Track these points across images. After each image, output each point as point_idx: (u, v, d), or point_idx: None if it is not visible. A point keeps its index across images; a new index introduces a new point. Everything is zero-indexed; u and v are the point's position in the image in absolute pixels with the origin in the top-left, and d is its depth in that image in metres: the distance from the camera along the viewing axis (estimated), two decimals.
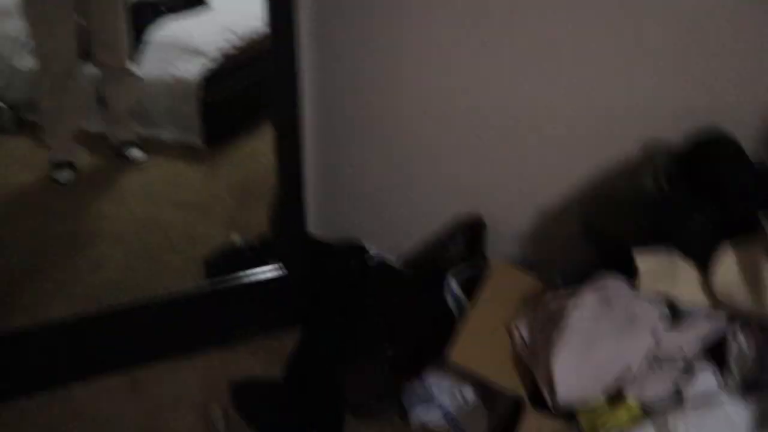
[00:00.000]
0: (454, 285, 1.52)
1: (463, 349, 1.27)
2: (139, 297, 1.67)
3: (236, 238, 2.08)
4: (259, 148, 2.93)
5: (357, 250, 1.89)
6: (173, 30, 2.85)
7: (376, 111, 1.67)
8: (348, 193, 1.86)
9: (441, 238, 1.72)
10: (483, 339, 1.30)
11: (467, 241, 1.67)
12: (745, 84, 1.31)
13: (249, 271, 1.74)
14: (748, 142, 1.29)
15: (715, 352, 1.15)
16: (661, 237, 1.23)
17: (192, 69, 2.71)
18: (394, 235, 1.86)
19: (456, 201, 1.72)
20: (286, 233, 1.79)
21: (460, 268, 1.57)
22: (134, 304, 1.65)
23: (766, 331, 1.06)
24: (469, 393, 1.42)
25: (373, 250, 1.90)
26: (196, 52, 2.74)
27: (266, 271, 1.73)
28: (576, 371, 1.12)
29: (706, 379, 1.12)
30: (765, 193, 1.21)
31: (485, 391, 1.45)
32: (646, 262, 1.17)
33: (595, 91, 1.43)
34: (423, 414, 1.51)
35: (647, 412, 1.13)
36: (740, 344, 1.08)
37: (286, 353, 1.72)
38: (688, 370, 1.15)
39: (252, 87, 3.01)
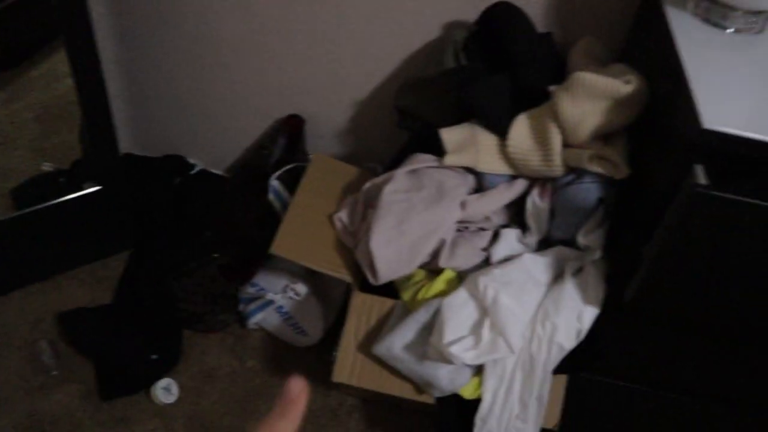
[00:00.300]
0: (275, 184, 1.50)
1: (285, 241, 1.27)
2: None
3: (47, 167, 1.90)
4: (60, 68, 2.66)
5: (178, 164, 1.81)
6: None
7: (182, 12, 1.55)
8: (163, 108, 1.74)
9: (262, 142, 1.68)
10: (305, 230, 1.30)
11: (288, 140, 1.64)
12: None
13: (63, 198, 1.61)
14: (534, 12, 1.35)
15: (519, 213, 1.24)
16: (464, 112, 1.28)
17: None
18: (216, 147, 1.80)
19: (274, 104, 1.67)
20: (98, 152, 1.65)
21: (283, 168, 1.55)
22: None
23: (556, 188, 1.15)
24: (301, 288, 1.44)
25: (196, 162, 1.83)
26: None
27: (81, 194, 1.60)
28: (392, 246, 1.16)
29: (510, 240, 1.21)
30: (551, 61, 1.28)
31: (317, 285, 1.48)
32: (451, 138, 1.22)
33: None
34: (260, 317, 1.51)
35: (461, 278, 1.20)
36: (535, 202, 1.17)
37: (114, 280, 1.64)
38: (495, 235, 1.23)
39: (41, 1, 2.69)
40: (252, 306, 1.50)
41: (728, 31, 1.07)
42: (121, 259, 1.67)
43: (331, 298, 1.50)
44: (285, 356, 1.52)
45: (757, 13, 1.06)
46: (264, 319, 1.51)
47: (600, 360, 1.17)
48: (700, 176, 0.87)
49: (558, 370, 1.14)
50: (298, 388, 0.35)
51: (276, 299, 1.46)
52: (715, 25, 1.07)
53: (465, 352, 1.05)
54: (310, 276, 1.47)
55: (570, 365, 1.14)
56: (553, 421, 1.17)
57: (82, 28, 1.41)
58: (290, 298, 1.45)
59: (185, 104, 1.72)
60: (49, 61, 2.56)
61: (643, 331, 1.13)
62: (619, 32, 1.37)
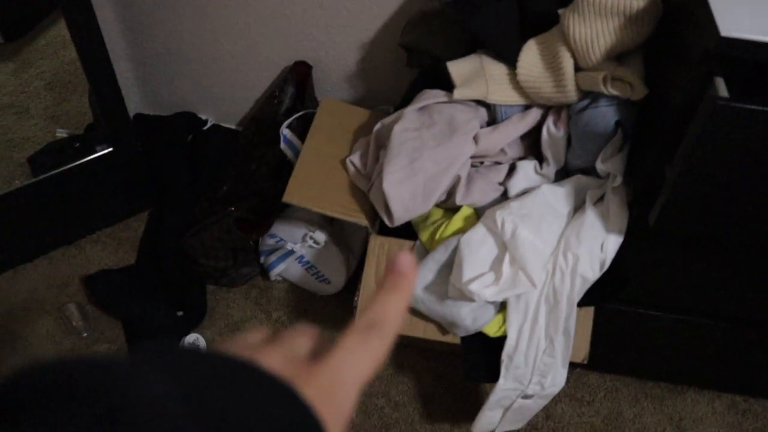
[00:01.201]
0: (286, 132, 1.47)
1: (298, 189, 1.26)
2: None
3: (61, 133, 1.90)
4: (66, 35, 2.64)
5: (190, 121, 1.80)
6: None
7: None
8: (170, 65, 1.72)
9: (271, 92, 1.65)
10: (318, 176, 1.29)
11: (296, 88, 1.61)
12: None
13: (78, 162, 1.61)
14: None
15: (535, 145, 1.21)
16: (471, 42, 1.24)
17: None
18: (226, 100, 1.78)
19: (280, 52, 1.63)
20: (107, 115, 1.64)
21: (292, 117, 1.52)
22: None
23: (571, 115, 1.11)
24: (320, 236, 1.43)
25: (208, 118, 1.81)
26: None
27: (94, 156, 1.60)
28: (406, 186, 1.13)
29: (527, 173, 1.17)
30: None
31: (336, 232, 1.47)
32: (459, 70, 1.17)
33: None
34: (282, 268, 1.51)
35: (479, 214, 1.18)
36: (551, 130, 1.13)
37: (136, 241, 1.65)
38: (512, 168, 1.20)
39: None
40: (273, 257, 1.50)
41: None
42: (141, 219, 1.68)
43: (351, 245, 1.49)
44: (310, 305, 1.53)
45: None
46: (286, 269, 1.51)
47: (626, 289, 1.15)
48: (722, 88, 0.83)
49: (583, 302, 1.12)
50: (407, 262, 0.32)
51: (296, 249, 1.45)
52: None
53: (485, 289, 1.03)
54: (328, 224, 1.46)
55: (596, 297, 1.12)
56: (582, 356, 1.16)
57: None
58: (310, 246, 1.45)
59: (192, 59, 1.69)
60: (55, 29, 2.54)
61: (668, 255, 1.10)
62: None
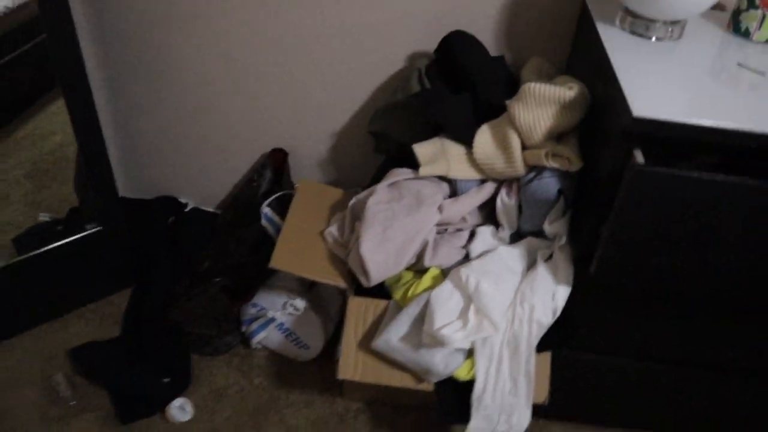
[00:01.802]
0: (267, 210, 1.64)
1: (283, 256, 1.41)
2: None
3: (44, 216, 2.02)
4: (47, 127, 2.80)
5: (173, 205, 1.95)
6: None
7: (166, 61, 1.71)
8: (153, 152, 1.89)
9: (250, 176, 1.83)
10: (300, 246, 1.45)
11: (274, 173, 1.79)
12: None
13: (66, 239, 1.72)
14: (487, 39, 1.54)
15: (491, 213, 1.40)
16: (432, 129, 1.45)
17: None
18: (205, 185, 1.94)
19: (257, 140, 1.83)
20: (98, 194, 1.77)
21: (272, 197, 1.70)
22: None
23: (520, 186, 1.32)
24: (299, 303, 1.57)
25: (188, 201, 1.97)
26: None
27: (83, 235, 1.72)
28: (381, 250, 1.30)
29: (485, 237, 1.36)
30: (505, 79, 1.46)
31: (314, 299, 1.61)
32: (423, 151, 1.38)
33: (359, 19, 1.59)
34: (263, 336, 1.64)
35: (445, 274, 1.35)
36: (504, 200, 1.34)
37: (119, 315, 1.75)
38: (472, 233, 1.39)
39: (23, 65, 2.84)
40: (254, 325, 1.62)
41: (651, 39, 1.26)
42: (123, 295, 1.79)
43: (328, 311, 1.63)
44: (289, 371, 1.64)
45: (674, 22, 1.26)
46: (266, 337, 1.63)
47: (577, 336, 1.32)
48: (639, 157, 1.04)
49: (541, 347, 1.28)
50: None
51: (277, 316, 1.58)
52: (640, 35, 1.27)
53: (455, 334, 1.19)
54: (307, 291, 1.60)
55: (551, 342, 1.29)
56: (542, 397, 1.31)
57: (79, 81, 1.55)
58: (290, 314, 1.58)
59: (174, 147, 1.87)
60: (33, 122, 2.70)
61: (614, 305, 1.28)
62: (562, 50, 1.56)
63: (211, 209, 1.96)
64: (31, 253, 1.70)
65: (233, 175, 1.90)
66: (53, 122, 2.71)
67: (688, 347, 1.37)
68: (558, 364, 1.35)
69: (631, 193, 1.06)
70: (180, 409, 1.51)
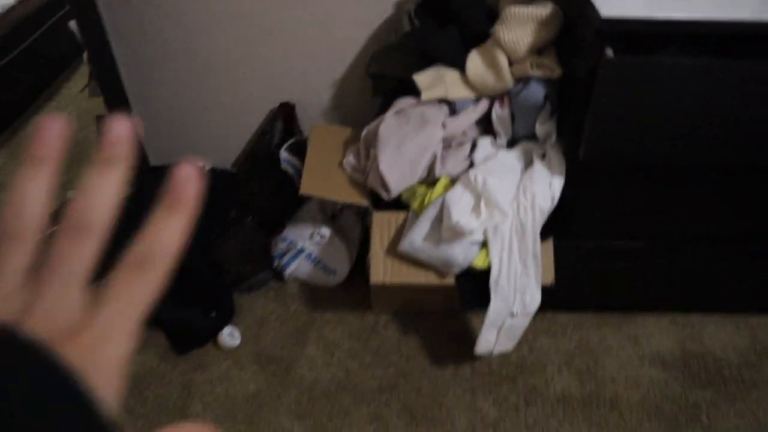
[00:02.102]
0: (285, 154, 1.83)
1: (310, 184, 1.60)
2: None
3: (71, 194, 2.18)
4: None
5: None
6: None
7: (176, 31, 1.88)
8: (171, 120, 2.06)
9: (262, 130, 2.01)
10: (322, 176, 1.64)
11: (284, 124, 1.98)
12: None
13: None
14: None
15: (488, 125, 1.61)
16: (427, 61, 1.65)
17: None
18: (220, 145, 2.12)
19: (266, 96, 2.00)
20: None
21: (287, 142, 1.89)
22: None
23: (511, 97, 1.52)
24: (325, 230, 1.77)
25: (205, 164, 2.14)
26: None
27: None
28: (397, 166, 1.50)
29: (486, 146, 1.57)
30: (486, 10, 1.66)
31: (337, 227, 1.81)
32: (423, 79, 1.58)
33: None
34: (293, 267, 1.83)
35: (454, 181, 1.56)
36: (498, 112, 1.54)
37: None
38: (474, 144, 1.59)
39: (23, 62, 2.99)
40: (286, 258, 1.81)
41: None
42: None
43: (351, 237, 1.83)
44: (321, 296, 1.84)
45: None
46: (297, 268, 1.83)
47: (574, 222, 1.54)
48: (609, 52, 1.25)
49: (544, 235, 1.49)
50: (186, 172, 0.29)
51: (305, 246, 1.78)
52: None
53: (471, 223, 1.40)
54: (330, 221, 1.80)
55: (552, 229, 1.50)
56: (549, 278, 1.52)
57: (107, 58, 1.72)
58: (317, 243, 1.78)
59: (187, 113, 2.04)
60: (36, 119, 2.84)
61: (601, 188, 1.50)
62: None
63: (227, 167, 2.14)
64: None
65: (245, 131, 2.08)
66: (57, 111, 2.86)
67: (676, 222, 1.58)
68: (560, 254, 1.56)
69: (605, 83, 1.27)
70: (230, 336, 1.71)
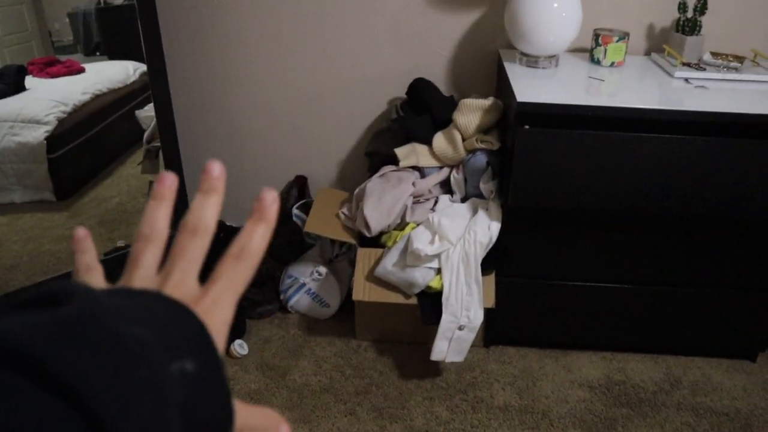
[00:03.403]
0: (296, 211, 2.40)
1: (313, 225, 2.15)
2: None
3: (121, 243, 2.76)
4: (106, 193, 3.61)
5: (221, 225, 2.70)
6: (9, 108, 3.47)
7: (220, 114, 2.53)
8: None
9: (281, 195, 2.60)
10: (323, 221, 2.19)
11: (298, 192, 2.56)
12: (432, 53, 2.39)
13: None
14: (440, 84, 2.37)
15: (449, 186, 2.17)
16: (406, 139, 2.24)
17: (35, 134, 3.35)
18: (245, 210, 2.70)
19: (285, 171, 2.61)
20: (178, 211, 2.52)
21: (298, 203, 2.46)
22: None
23: (464, 165, 2.09)
24: (322, 269, 2.29)
25: (232, 224, 2.72)
26: (35, 121, 3.38)
27: None
28: (377, 211, 2.05)
29: (445, 200, 2.12)
30: (450, 109, 2.27)
31: (332, 268, 2.34)
32: (401, 152, 2.16)
33: (357, 74, 2.43)
34: (295, 300, 2.34)
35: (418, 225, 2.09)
36: (455, 176, 2.10)
37: None
38: (436, 200, 2.14)
39: (91, 142, 3.70)
40: (290, 291, 2.33)
41: (539, 69, 2.09)
42: None
43: (343, 279, 2.34)
44: (316, 325, 2.33)
45: (551, 57, 2.09)
46: (298, 301, 2.33)
47: (510, 259, 2.04)
48: (526, 126, 1.82)
49: (485, 269, 2.00)
50: (271, 197, 0.40)
51: (306, 282, 2.30)
52: (532, 66, 2.09)
53: (426, 247, 1.92)
54: (327, 262, 2.33)
55: (492, 263, 2.01)
56: (491, 303, 2.01)
57: (171, 134, 2.35)
58: (314, 279, 2.30)
59: (227, 184, 2.64)
60: (97, 189, 3.50)
61: (530, 232, 2.01)
62: (489, 86, 2.39)
63: None
64: (125, 251, 2.43)
65: None
66: (111, 190, 3.54)
67: (597, 266, 2.07)
68: (504, 290, 2.06)
69: (522, 147, 1.83)
70: (240, 347, 2.19)
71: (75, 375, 0.25)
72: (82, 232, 0.43)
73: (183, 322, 0.33)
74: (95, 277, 0.42)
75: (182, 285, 0.38)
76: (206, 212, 0.40)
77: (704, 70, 2.01)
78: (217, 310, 0.37)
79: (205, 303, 0.37)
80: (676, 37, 2.11)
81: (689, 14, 2.08)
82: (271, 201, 0.41)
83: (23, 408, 0.23)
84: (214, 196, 0.41)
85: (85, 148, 3.61)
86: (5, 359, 0.25)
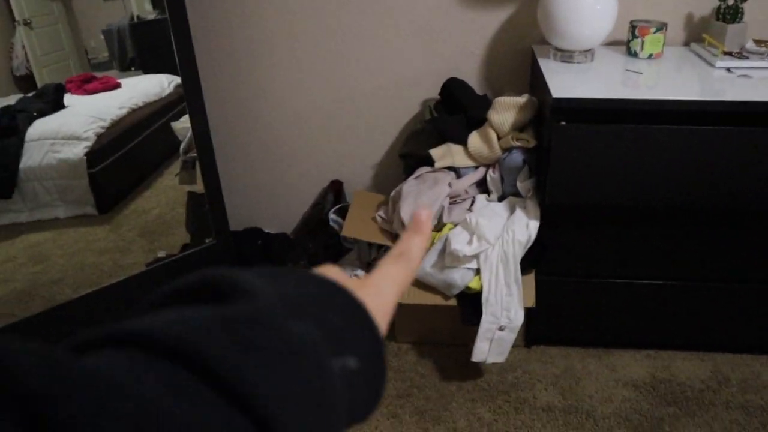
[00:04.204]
0: (333, 216, 2.42)
1: (350, 229, 2.16)
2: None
3: (161, 253, 2.81)
4: (146, 205, 3.69)
5: (259, 232, 2.74)
6: (49, 126, 3.57)
7: (254, 123, 2.57)
8: (250, 198, 2.71)
9: (316, 202, 2.62)
10: (360, 224, 2.20)
11: (334, 197, 2.58)
12: (464, 52, 2.39)
13: (191, 250, 2.50)
14: (473, 83, 2.37)
15: (485, 186, 2.16)
16: (441, 140, 2.24)
17: (75, 150, 3.43)
18: (282, 217, 2.73)
19: (321, 175, 2.64)
20: (215, 218, 2.56)
21: (334, 208, 2.48)
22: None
23: (500, 164, 2.08)
24: (360, 272, 2.30)
25: (269, 231, 2.75)
26: (75, 138, 3.47)
27: (203, 246, 2.50)
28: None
29: (482, 200, 2.11)
30: (484, 107, 2.27)
31: (370, 269, 2.35)
32: (436, 152, 2.17)
33: (389, 77, 2.44)
34: None
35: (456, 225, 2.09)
36: (491, 175, 2.10)
37: None
38: (473, 200, 2.14)
39: (130, 156, 3.78)
40: None
41: (573, 63, 2.07)
42: None
43: None
44: None
45: (586, 51, 2.07)
46: None
47: (553, 259, 2.02)
48: (562, 122, 1.81)
49: (525, 267, 1.98)
50: (425, 214, 0.46)
51: None
52: (567, 62, 2.08)
53: (465, 248, 1.91)
54: (365, 266, 2.34)
55: (532, 262, 2.00)
56: (531, 301, 2.00)
57: (206, 143, 2.39)
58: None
59: (257, 190, 2.68)
60: (136, 202, 3.57)
61: (571, 228, 1.99)
62: (523, 83, 2.38)
63: (289, 231, 2.74)
64: (162, 262, 2.48)
65: (303, 205, 2.70)
66: (150, 201, 3.61)
67: (640, 263, 2.04)
68: (545, 290, 2.05)
69: (560, 142, 1.81)
70: None
71: (247, 380, 0.25)
72: (426, 215, 0.47)
73: (347, 311, 0.34)
74: (399, 268, 0.44)
75: (378, 295, 0.40)
76: (412, 245, 0.45)
77: (747, 58, 1.96)
78: (380, 296, 0.39)
79: (367, 288, 0.39)
80: (717, 25, 2.07)
81: (730, 1, 2.04)
82: (425, 217, 0.46)
83: (198, 409, 0.24)
84: (420, 235, 0.45)
85: (124, 162, 3.69)
86: (176, 357, 0.25)
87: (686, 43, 2.25)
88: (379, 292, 0.40)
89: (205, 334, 0.26)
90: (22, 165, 3.39)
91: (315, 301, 0.33)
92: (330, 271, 0.39)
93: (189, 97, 2.31)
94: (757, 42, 2.05)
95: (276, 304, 0.30)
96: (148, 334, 0.26)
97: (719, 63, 1.95)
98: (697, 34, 2.22)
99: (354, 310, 0.35)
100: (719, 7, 2.06)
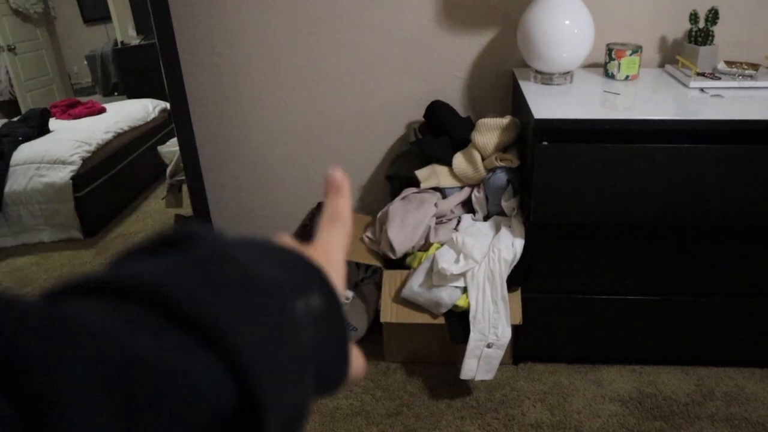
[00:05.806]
0: None
1: None
2: None
3: None
4: (131, 228, 3.69)
5: None
6: (35, 150, 3.58)
7: (240, 147, 2.61)
8: (239, 218, 2.74)
9: (304, 222, 2.66)
10: (348, 244, 2.24)
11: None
12: (447, 75, 2.45)
13: None
14: (457, 106, 2.43)
15: (470, 206, 2.21)
16: (426, 161, 2.30)
17: (61, 174, 3.45)
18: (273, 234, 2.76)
19: (307, 199, 2.68)
20: None
21: None
22: None
23: (484, 183, 2.14)
24: (348, 293, 2.34)
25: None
26: (61, 162, 3.49)
27: None
28: (401, 233, 2.10)
29: (467, 220, 2.16)
30: (468, 129, 2.33)
31: (359, 292, 2.38)
32: (422, 173, 2.22)
33: (374, 100, 2.50)
34: None
35: (442, 245, 2.14)
36: (476, 195, 2.15)
37: None
38: (459, 220, 2.19)
39: (115, 179, 3.79)
40: None
41: (554, 85, 2.14)
42: None
43: (369, 302, 2.38)
44: None
45: (566, 73, 2.14)
46: None
47: (534, 274, 2.07)
48: (544, 142, 1.87)
49: (511, 285, 2.03)
50: (338, 174, 0.46)
51: None
52: (547, 84, 2.15)
53: (452, 267, 1.96)
54: (353, 286, 2.37)
55: (517, 280, 2.04)
56: (518, 319, 2.04)
57: (194, 166, 2.43)
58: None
59: (250, 214, 2.72)
60: (122, 226, 3.59)
61: (555, 246, 2.05)
62: (505, 106, 2.45)
63: None
64: None
65: (289, 228, 2.74)
66: (136, 225, 3.62)
67: (623, 279, 2.10)
68: (531, 306, 2.09)
69: (543, 162, 1.87)
70: None
71: (212, 316, 0.26)
72: (340, 175, 0.47)
73: (303, 264, 0.35)
74: (336, 230, 0.45)
75: (328, 257, 0.42)
76: (340, 207, 0.46)
77: (719, 79, 2.05)
78: (329, 256, 0.42)
79: (317, 253, 0.41)
80: (689, 47, 2.16)
81: (701, 24, 2.12)
82: (340, 177, 0.46)
83: (165, 344, 0.25)
84: (343, 197, 0.46)
85: (110, 186, 3.72)
86: (143, 300, 0.26)
87: (661, 65, 2.34)
88: (328, 252, 0.42)
89: (169, 276, 0.27)
90: (7, 189, 3.41)
91: (273, 254, 0.34)
92: (283, 239, 0.40)
93: (177, 121, 2.35)
94: (729, 63, 2.13)
95: (236, 246, 0.31)
96: (117, 281, 0.27)
97: (693, 83, 2.03)
98: (671, 56, 2.31)
99: (310, 267, 0.35)
100: (691, 30, 2.15)
